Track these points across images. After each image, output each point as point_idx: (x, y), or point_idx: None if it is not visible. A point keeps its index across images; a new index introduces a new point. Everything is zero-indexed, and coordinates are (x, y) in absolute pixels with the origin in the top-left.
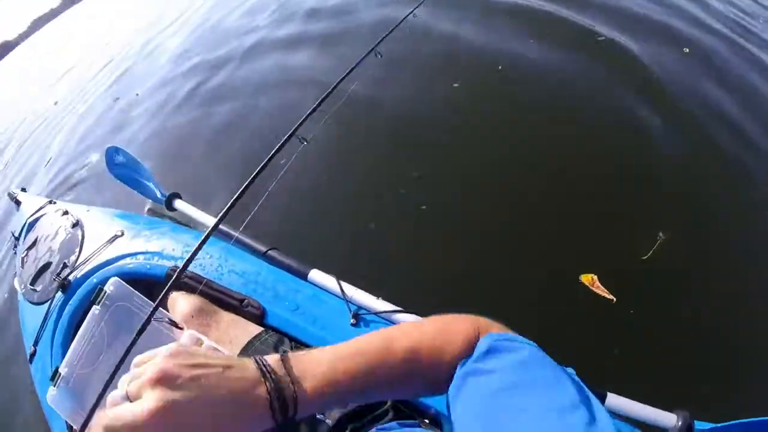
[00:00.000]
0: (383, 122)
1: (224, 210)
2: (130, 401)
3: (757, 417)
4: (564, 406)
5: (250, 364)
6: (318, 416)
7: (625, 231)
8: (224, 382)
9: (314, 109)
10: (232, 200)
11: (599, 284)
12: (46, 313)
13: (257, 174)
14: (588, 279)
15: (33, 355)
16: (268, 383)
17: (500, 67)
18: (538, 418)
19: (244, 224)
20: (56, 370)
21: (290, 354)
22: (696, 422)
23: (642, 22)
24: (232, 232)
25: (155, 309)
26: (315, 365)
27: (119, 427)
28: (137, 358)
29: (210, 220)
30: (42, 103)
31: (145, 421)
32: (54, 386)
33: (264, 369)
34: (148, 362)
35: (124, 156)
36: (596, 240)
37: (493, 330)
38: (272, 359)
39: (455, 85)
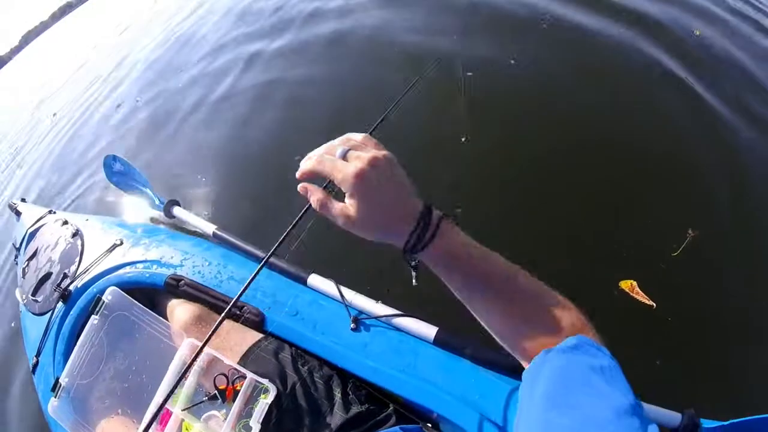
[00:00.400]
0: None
1: (278, 242)
2: (346, 161)
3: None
4: (624, 409)
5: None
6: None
7: (653, 227)
8: (403, 185)
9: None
10: (287, 230)
11: (639, 290)
12: (48, 324)
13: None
14: (627, 285)
15: (35, 365)
16: (426, 207)
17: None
18: (600, 409)
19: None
20: (57, 381)
21: None
22: (702, 420)
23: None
24: (231, 238)
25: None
26: (462, 234)
27: (336, 172)
28: (348, 135)
29: (209, 227)
30: (40, 114)
31: (352, 173)
32: (55, 397)
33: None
34: (368, 149)
35: (121, 164)
36: (625, 237)
37: (587, 334)
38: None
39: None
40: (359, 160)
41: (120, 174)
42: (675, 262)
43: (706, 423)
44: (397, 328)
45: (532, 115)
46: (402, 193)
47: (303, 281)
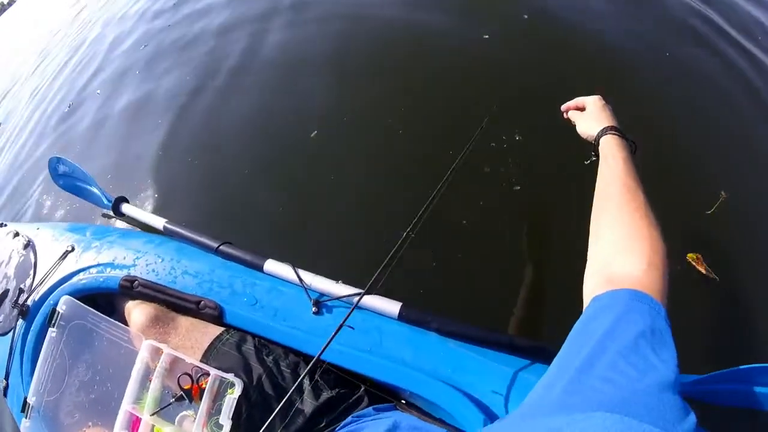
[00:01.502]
0: None
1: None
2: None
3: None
4: (666, 384)
5: None
6: (297, 401)
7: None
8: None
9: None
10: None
11: (703, 262)
12: (11, 343)
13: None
14: (693, 257)
15: (6, 388)
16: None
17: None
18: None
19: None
20: (25, 401)
21: None
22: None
23: None
24: (182, 231)
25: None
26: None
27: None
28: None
29: (158, 221)
30: None
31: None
32: (26, 418)
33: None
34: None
35: (66, 165)
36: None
37: (652, 294)
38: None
39: None
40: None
41: (65, 176)
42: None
43: (681, 378)
44: (360, 308)
45: None
46: (609, 112)
47: (259, 268)
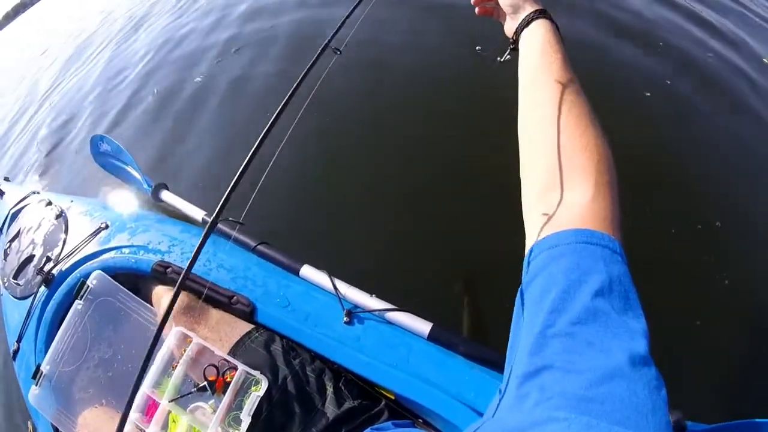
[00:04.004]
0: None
1: (219, 206)
2: None
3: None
4: (638, 357)
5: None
6: (318, 407)
7: None
8: None
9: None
10: (225, 194)
11: None
12: (30, 308)
13: (250, 161)
14: None
15: (16, 351)
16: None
17: None
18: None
19: (243, 214)
20: (38, 368)
21: None
22: (688, 423)
23: None
24: (224, 228)
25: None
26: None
27: None
28: None
29: (198, 213)
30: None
31: None
32: (36, 385)
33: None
34: None
35: (108, 144)
36: None
37: (603, 226)
38: None
39: None
40: None
41: (106, 155)
42: None
43: (692, 426)
44: (391, 323)
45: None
46: None
47: (295, 272)
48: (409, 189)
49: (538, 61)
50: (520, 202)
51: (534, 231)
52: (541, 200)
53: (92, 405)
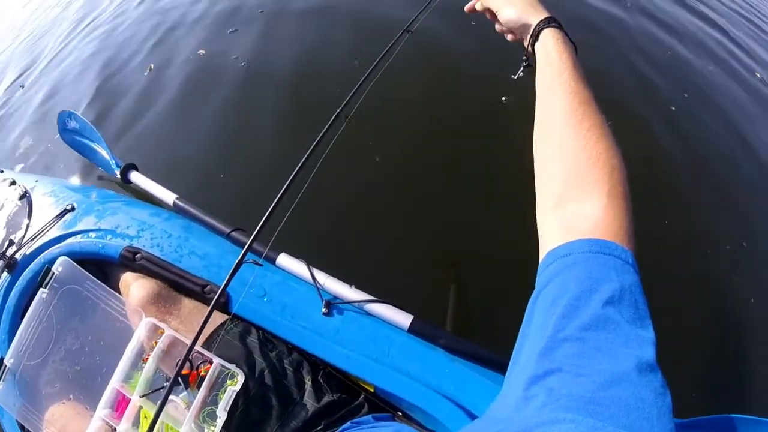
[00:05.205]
0: None
1: (259, 225)
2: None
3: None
4: (646, 364)
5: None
6: (297, 401)
7: None
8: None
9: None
10: (269, 210)
11: None
12: None
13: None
14: None
15: None
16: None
17: None
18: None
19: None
20: (1, 362)
21: None
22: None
23: None
24: (193, 210)
25: None
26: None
27: None
28: None
29: (169, 196)
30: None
31: None
32: (0, 380)
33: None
34: None
35: (77, 120)
36: None
37: (616, 236)
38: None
39: None
40: None
41: (74, 132)
42: None
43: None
44: (371, 315)
45: None
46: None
47: (272, 260)
48: (390, 179)
49: (548, 74)
50: (500, 194)
51: (548, 239)
52: (556, 211)
53: (59, 400)
